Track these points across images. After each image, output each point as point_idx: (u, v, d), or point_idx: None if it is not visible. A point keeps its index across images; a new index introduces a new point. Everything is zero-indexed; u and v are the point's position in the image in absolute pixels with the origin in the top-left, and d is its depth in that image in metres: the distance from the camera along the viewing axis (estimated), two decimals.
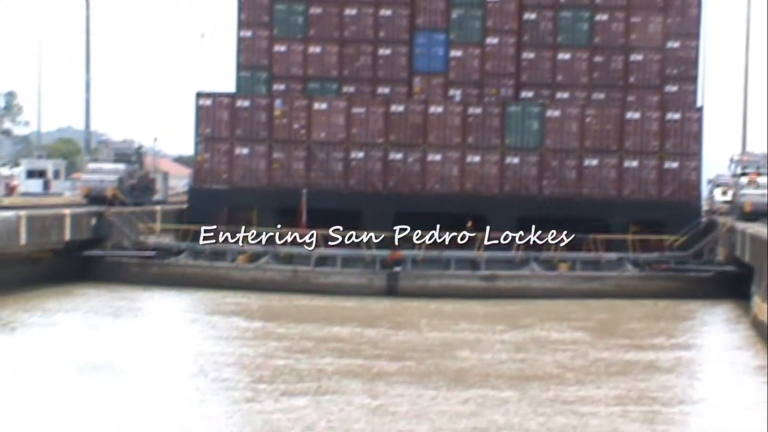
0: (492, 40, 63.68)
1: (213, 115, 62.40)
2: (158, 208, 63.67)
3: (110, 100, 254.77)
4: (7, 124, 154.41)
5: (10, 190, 71.47)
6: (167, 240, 58.75)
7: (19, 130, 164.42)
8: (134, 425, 24.85)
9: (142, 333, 39.87)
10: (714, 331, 44.52)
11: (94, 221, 55.44)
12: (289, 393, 28.13)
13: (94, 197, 59.42)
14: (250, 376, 30.77)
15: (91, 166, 64.19)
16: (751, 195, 57.91)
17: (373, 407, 26.71)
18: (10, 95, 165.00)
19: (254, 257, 55.09)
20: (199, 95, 63.06)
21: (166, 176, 78.32)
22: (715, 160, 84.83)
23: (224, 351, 34.89)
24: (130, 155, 65.11)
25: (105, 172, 61.59)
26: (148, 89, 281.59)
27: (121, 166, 62.73)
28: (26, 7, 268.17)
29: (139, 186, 64.71)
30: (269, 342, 37.03)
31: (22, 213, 48.56)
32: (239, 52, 64.78)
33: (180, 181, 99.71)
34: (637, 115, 61.02)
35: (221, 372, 31.05)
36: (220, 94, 63.47)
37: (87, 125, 79.89)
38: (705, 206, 69.07)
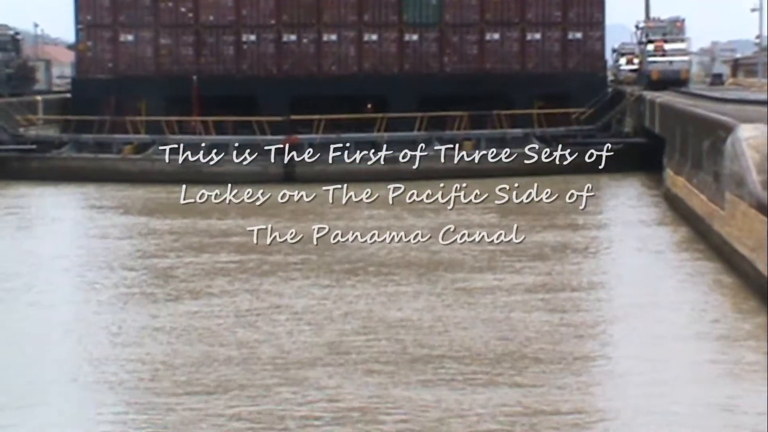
0: None
1: (93, 1, 58.65)
2: (39, 98, 60.15)
3: None
4: None
5: None
6: (50, 132, 55.39)
7: None
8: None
9: (16, 233, 36.97)
10: (626, 206, 42.56)
11: None
12: (165, 297, 25.64)
13: None
14: (121, 277, 28.16)
15: None
16: (659, 63, 56.18)
17: (262, 306, 24.36)
18: None
19: (141, 148, 52.01)
20: None
21: (48, 64, 74.55)
22: (619, 28, 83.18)
23: (98, 250, 32.23)
24: (5, 43, 61.23)
25: None
26: None
27: None
28: None
29: (16, 75, 61.04)
30: (150, 239, 34.41)
31: None
32: None
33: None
34: None
35: (93, 273, 28.46)
36: None
37: None
38: (610, 76, 67.39)
